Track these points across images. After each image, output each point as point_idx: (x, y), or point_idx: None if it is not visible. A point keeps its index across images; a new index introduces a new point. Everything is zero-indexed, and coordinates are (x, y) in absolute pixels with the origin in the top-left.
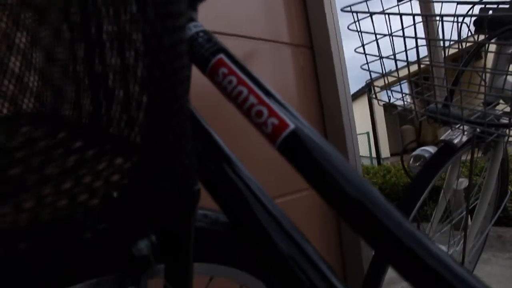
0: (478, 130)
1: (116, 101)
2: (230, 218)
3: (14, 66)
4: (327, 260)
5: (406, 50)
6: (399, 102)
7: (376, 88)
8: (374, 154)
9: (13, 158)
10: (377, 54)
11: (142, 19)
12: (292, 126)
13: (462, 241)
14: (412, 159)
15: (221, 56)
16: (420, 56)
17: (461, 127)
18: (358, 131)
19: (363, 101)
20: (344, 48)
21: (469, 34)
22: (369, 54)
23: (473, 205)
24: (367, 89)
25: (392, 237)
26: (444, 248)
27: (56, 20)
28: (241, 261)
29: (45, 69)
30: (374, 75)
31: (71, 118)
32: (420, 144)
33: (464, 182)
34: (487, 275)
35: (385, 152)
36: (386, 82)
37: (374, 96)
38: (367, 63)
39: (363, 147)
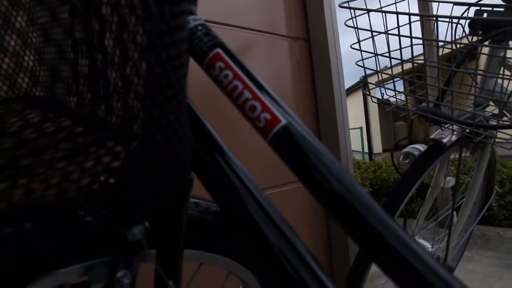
0: (467, 130)
1: (116, 91)
2: (221, 207)
3: (12, 46)
4: (315, 252)
5: (400, 48)
6: (392, 100)
7: (370, 85)
8: (366, 149)
9: (22, 140)
10: (373, 51)
11: (143, 13)
12: (284, 121)
13: (446, 239)
14: (402, 156)
15: (218, 50)
16: (415, 55)
17: (451, 127)
18: (351, 126)
19: (358, 96)
20: (340, 43)
21: (464, 35)
22: (364, 51)
23: (459, 203)
24: (362, 85)
25: (376, 234)
26: (428, 244)
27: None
28: (230, 250)
29: (54, 64)
30: (368, 72)
31: (73, 105)
32: (412, 141)
33: (451, 181)
34: (470, 272)
35: (377, 147)
36: (380, 79)
37: (367, 93)
38: (362, 59)
39: (356, 142)
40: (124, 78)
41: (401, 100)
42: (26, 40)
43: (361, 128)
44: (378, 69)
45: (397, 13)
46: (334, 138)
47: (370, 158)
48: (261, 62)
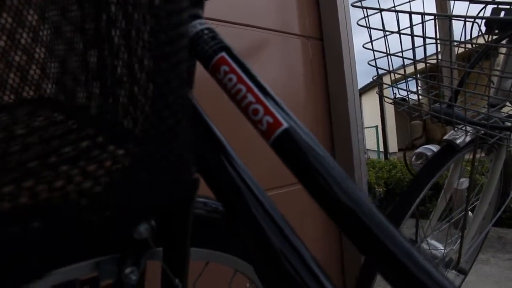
0: (481, 131)
1: (123, 94)
2: (224, 207)
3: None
4: (327, 254)
5: (413, 48)
6: (406, 99)
7: (383, 84)
8: (382, 148)
9: (33, 140)
10: (385, 50)
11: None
12: (285, 125)
13: (459, 241)
14: (414, 157)
15: (223, 54)
16: (428, 54)
17: (464, 128)
18: (367, 125)
19: (373, 95)
20: (354, 42)
21: (480, 34)
22: (376, 51)
23: (473, 205)
24: (378, 83)
25: (375, 240)
26: (441, 246)
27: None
28: (237, 248)
29: (64, 58)
30: (380, 72)
31: (83, 107)
32: (429, 141)
33: (465, 182)
34: (485, 275)
35: (393, 146)
36: (393, 79)
37: (380, 92)
38: (375, 59)
39: (371, 141)
40: (130, 72)
41: (413, 100)
42: (37, 35)
43: (376, 127)
44: (391, 69)
45: (410, 13)
46: (347, 137)
47: (386, 157)
48: (274, 61)
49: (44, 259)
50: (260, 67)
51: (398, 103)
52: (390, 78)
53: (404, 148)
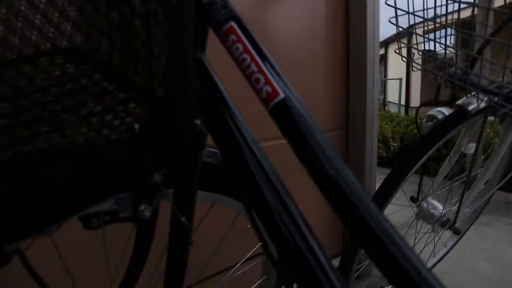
0: (495, 99)
1: (141, 55)
2: (226, 160)
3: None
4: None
5: (435, 7)
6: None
7: (401, 43)
8: (404, 102)
9: (63, 89)
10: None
11: None
12: (282, 95)
13: (458, 203)
14: (425, 118)
15: (232, 23)
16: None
17: (476, 95)
18: (391, 76)
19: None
20: None
21: None
22: (399, 9)
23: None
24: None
25: (358, 215)
26: (440, 206)
27: None
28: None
29: (90, 15)
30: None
31: (105, 63)
32: (456, 99)
33: (473, 147)
34: (483, 237)
35: (415, 101)
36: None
37: (398, 52)
38: (396, 16)
39: (394, 93)
40: (147, 30)
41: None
42: None
43: (400, 79)
44: (412, 29)
45: None
46: (362, 88)
47: (406, 112)
48: (295, 10)
49: (81, 194)
50: None
51: (415, 62)
52: (408, 38)
53: (420, 105)
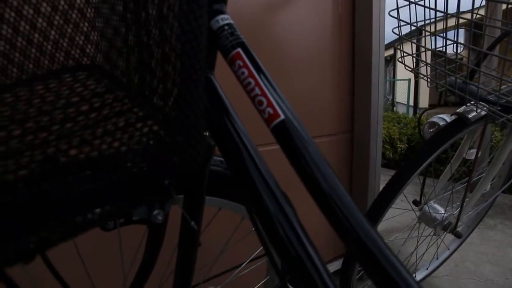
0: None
1: (157, 76)
2: (230, 168)
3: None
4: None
5: (436, 18)
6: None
7: (403, 52)
8: (412, 103)
9: (90, 105)
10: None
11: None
12: (282, 116)
13: (459, 208)
14: (427, 125)
15: (239, 50)
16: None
17: (475, 105)
18: (400, 77)
19: (409, 45)
20: None
21: None
22: (401, 20)
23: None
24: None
25: (351, 230)
26: (442, 209)
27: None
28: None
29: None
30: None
31: (125, 82)
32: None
33: (474, 153)
34: (488, 239)
35: (423, 102)
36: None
37: (400, 60)
38: (399, 26)
39: (402, 94)
40: (162, 64)
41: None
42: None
43: (409, 80)
44: (414, 40)
45: None
46: (367, 91)
47: (414, 113)
48: (302, 16)
49: (96, 197)
50: None
51: (418, 72)
52: (411, 49)
53: (419, 115)
